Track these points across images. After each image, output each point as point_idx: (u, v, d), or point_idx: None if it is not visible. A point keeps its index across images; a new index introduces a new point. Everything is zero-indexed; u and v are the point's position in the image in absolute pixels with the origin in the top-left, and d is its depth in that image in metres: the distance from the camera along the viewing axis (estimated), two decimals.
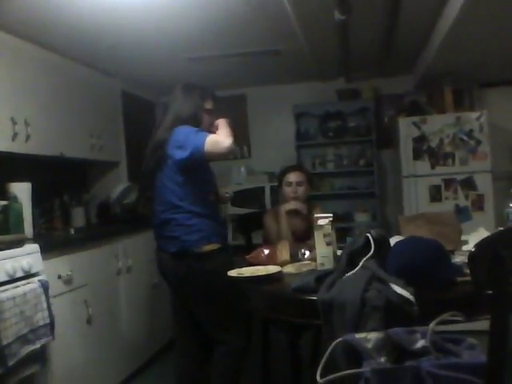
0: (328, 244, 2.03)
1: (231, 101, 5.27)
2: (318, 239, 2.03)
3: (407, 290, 1.53)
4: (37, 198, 2.99)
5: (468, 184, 4.32)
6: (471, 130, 4.31)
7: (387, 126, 5.16)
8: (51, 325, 2.39)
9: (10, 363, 2.11)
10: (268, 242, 2.89)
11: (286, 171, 3.12)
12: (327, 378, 1.24)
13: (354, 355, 1.29)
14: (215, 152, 2.30)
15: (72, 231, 3.40)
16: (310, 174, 3.28)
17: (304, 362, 2.76)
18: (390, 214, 5.17)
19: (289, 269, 2.14)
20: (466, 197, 4.32)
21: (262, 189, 4.84)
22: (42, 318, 2.34)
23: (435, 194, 4.36)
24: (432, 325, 1.29)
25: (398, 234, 2.28)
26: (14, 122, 2.92)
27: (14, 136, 2.93)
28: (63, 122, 3.46)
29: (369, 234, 1.79)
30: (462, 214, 4.20)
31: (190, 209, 2.39)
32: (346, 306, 1.54)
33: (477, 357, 1.24)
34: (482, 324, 1.28)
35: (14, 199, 2.76)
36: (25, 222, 2.78)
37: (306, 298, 1.70)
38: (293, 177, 3.06)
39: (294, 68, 4.60)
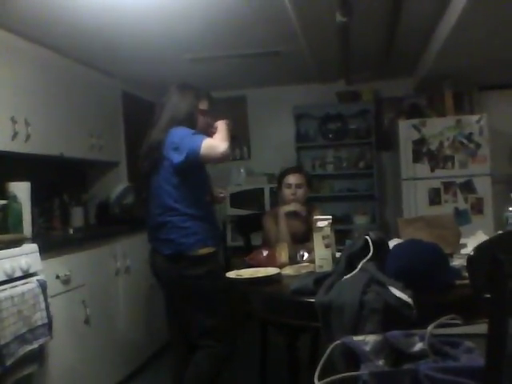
0: (327, 246, 2.03)
1: (231, 102, 5.28)
2: (317, 241, 2.03)
3: (406, 293, 1.53)
4: (36, 198, 2.99)
5: (467, 187, 4.32)
6: (471, 134, 4.31)
7: (387, 128, 5.17)
8: (49, 325, 2.39)
9: (8, 363, 2.11)
10: (267, 243, 2.89)
11: (285, 173, 3.12)
12: (325, 380, 1.24)
13: (352, 358, 1.29)
14: (210, 156, 2.27)
15: (71, 231, 3.40)
16: (310, 176, 3.28)
17: (302, 364, 2.75)
18: (389, 216, 5.17)
19: (288, 271, 2.14)
20: (466, 200, 4.32)
21: (262, 190, 4.84)
22: (40, 317, 2.33)
23: (434, 197, 4.37)
24: (430, 328, 1.29)
25: (397, 236, 2.28)
26: (14, 122, 2.92)
27: (14, 135, 2.93)
28: (63, 121, 3.46)
29: (368, 237, 1.80)
30: (461, 217, 4.21)
31: (186, 211, 2.37)
32: (345, 308, 1.54)
33: (475, 360, 1.24)
34: (481, 327, 1.28)
35: (14, 199, 2.75)
36: (24, 222, 2.77)
37: (305, 300, 1.70)
38: (292, 179, 3.06)
39: (295, 70, 4.61)
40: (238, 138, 5.12)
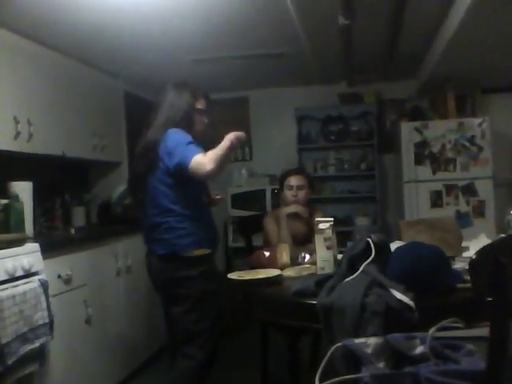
0: (328, 248, 2.03)
1: (234, 103, 5.29)
2: (319, 243, 2.03)
3: (407, 296, 1.53)
4: (38, 198, 3.00)
5: (469, 190, 4.32)
6: (473, 136, 4.31)
7: (389, 130, 5.16)
8: (50, 324, 2.39)
9: (9, 362, 2.11)
10: (268, 244, 2.89)
11: (287, 174, 3.12)
12: (326, 382, 1.24)
13: (353, 360, 1.29)
14: (197, 173, 2.19)
15: (72, 231, 3.40)
16: (312, 177, 3.27)
17: (303, 366, 2.75)
18: (390, 218, 5.17)
19: (289, 272, 2.14)
20: (467, 203, 4.32)
21: (263, 191, 4.84)
22: (41, 317, 2.34)
23: (436, 200, 4.37)
24: (432, 331, 1.29)
25: (399, 238, 2.28)
26: (17, 122, 2.93)
27: (17, 135, 2.93)
28: (66, 121, 3.46)
29: (369, 239, 1.79)
30: (462, 220, 4.20)
31: (182, 212, 2.34)
32: (346, 310, 1.53)
33: (476, 363, 1.24)
34: (482, 331, 1.28)
35: (16, 198, 2.76)
36: (26, 221, 2.78)
37: (306, 302, 1.70)
38: (294, 180, 3.05)
39: (297, 71, 4.61)
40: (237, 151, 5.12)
